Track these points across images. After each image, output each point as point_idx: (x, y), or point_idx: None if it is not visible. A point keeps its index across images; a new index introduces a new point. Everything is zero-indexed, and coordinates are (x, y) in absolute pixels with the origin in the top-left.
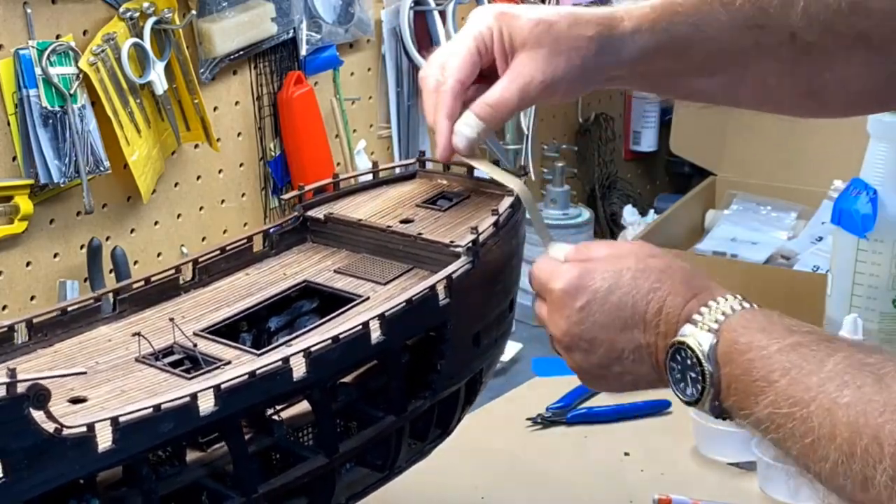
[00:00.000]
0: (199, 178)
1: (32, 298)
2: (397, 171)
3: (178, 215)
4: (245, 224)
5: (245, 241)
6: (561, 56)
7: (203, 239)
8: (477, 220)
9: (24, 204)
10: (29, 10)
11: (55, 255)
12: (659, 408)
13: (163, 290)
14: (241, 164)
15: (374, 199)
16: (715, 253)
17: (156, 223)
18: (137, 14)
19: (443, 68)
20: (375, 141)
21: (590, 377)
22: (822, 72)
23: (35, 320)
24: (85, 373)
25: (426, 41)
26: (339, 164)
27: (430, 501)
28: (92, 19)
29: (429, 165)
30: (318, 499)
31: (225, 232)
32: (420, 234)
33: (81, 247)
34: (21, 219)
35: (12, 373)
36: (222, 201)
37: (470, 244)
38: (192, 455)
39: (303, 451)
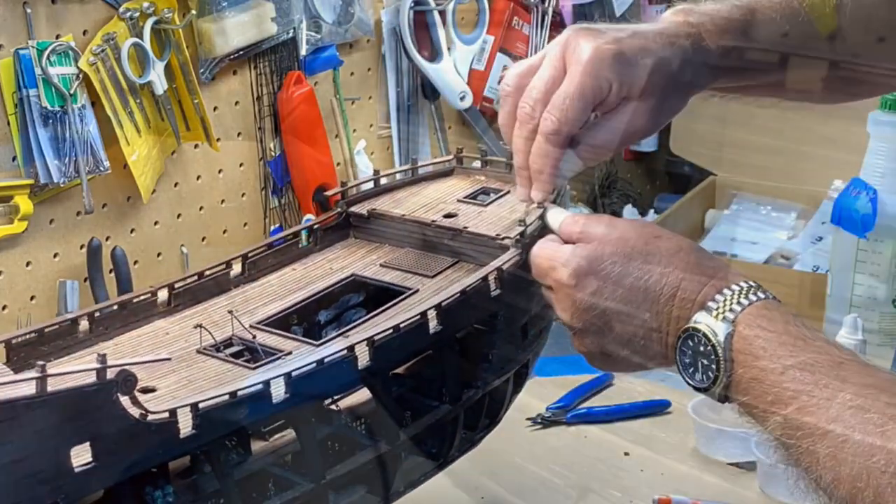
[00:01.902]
0: (199, 178)
1: (32, 298)
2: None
3: (178, 215)
4: (245, 224)
5: (291, 237)
6: (666, 102)
7: (203, 239)
8: (519, 213)
9: (24, 204)
10: (29, 10)
11: (55, 255)
12: (659, 408)
13: (215, 285)
14: (241, 164)
15: (414, 195)
16: (715, 253)
17: (156, 223)
18: (137, 14)
19: (558, 113)
20: (375, 141)
21: (597, 359)
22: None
23: (96, 314)
24: (170, 359)
25: (426, 41)
26: (339, 164)
27: (430, 501)
28: (92, 19)
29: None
30: (378, 486)
31: (225, 232)
32: (465, 227)
33: (81, 247)
34: (21, 219)
35: (103, 358)
36: (222, 201)
37: (518, 236)
38: (255, 445)
39: (364, 439)
